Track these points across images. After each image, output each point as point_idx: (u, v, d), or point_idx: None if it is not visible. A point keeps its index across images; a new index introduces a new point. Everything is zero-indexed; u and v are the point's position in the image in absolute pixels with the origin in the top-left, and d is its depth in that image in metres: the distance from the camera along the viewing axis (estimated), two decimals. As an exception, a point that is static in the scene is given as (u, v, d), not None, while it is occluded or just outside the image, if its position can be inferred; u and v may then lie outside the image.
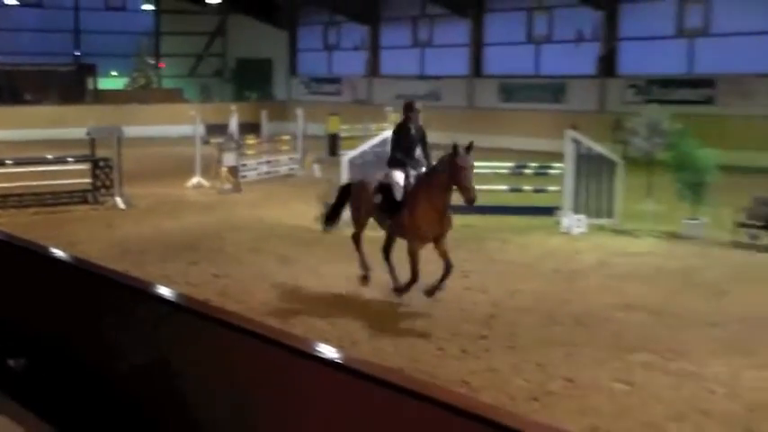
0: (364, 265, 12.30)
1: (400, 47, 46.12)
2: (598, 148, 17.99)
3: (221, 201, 21.29)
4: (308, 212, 18.53)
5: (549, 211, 17.53)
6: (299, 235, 16.53)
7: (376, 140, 18.28)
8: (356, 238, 12.47)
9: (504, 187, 17.92)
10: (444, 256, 11.30)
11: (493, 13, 41.83)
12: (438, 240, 11.38)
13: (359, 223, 12.48)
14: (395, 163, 11.85)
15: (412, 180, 11.60)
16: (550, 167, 18.14)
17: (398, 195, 11.55)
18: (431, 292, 11.37)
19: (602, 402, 8.07)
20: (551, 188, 17.85)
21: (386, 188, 11.75)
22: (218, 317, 5.18)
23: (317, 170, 26.16)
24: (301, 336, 6.72)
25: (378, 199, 11.84)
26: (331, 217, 13.13)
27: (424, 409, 3.80)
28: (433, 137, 35.49)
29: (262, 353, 4.69)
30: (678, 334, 10.22)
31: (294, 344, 4.65)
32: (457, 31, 42.78)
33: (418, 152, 12.14)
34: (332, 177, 18.60)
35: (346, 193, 12.86)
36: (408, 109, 12.20)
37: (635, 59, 36.09)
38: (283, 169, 26.71)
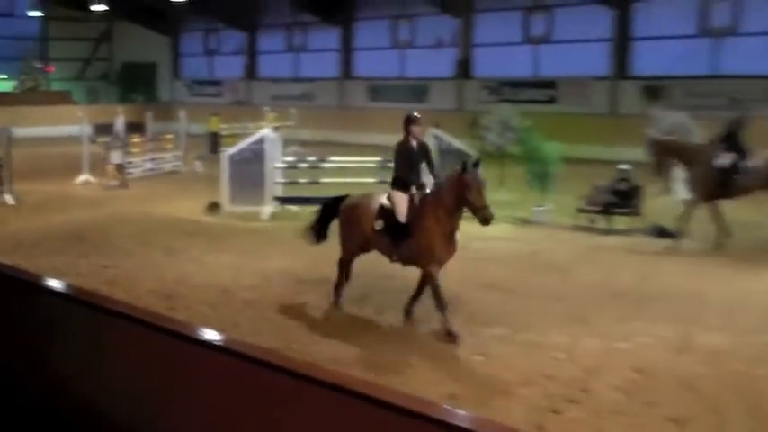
0: (338, 292, 10.63)
1: (276, 51, 45.93)
2: (457, 143, 18.28)
3: (109, 196, 20.79)
4: (191, 206, 18.32)
5: (413, 201, 17.69)
6: (184, 227, 16.29)
7: (254, 138, 18.16)
8: (342, 265, 10.63)
9: (372, 180, 18.02)
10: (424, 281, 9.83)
11: (361, 20, 42.04)
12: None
13: (350, 251, 10.54)
14: (398, 184, 9.96)
15: (417, 202, 9.77)
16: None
17: (402, 218, 9.75)
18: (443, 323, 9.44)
19: (460, 372, 8.23)
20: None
21: (388, 212, 9.92)
22: (106, 305, 5.09)
23: (198, 167, 25.90)
24: (185, 321, 6.64)
25: (379, 225, 9.97)
26: (318, 235, 11.15)
27: (302, 386, 3.81)
28: (307, 135, 35.35)
29: (148, 338, 4.62)
30: (527, 309, 10.47)
31: (178, 329, 4.59)
32: (328, 36, 42.85)
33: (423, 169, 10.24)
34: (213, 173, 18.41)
35: (331, 210, 10.96)
36: (409, 122, 10.03)
37: (488, 63, 36.86)
38: (167, 166, 26.34)
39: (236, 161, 17.69)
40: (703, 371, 8.17)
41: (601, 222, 15.90)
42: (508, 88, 34.87)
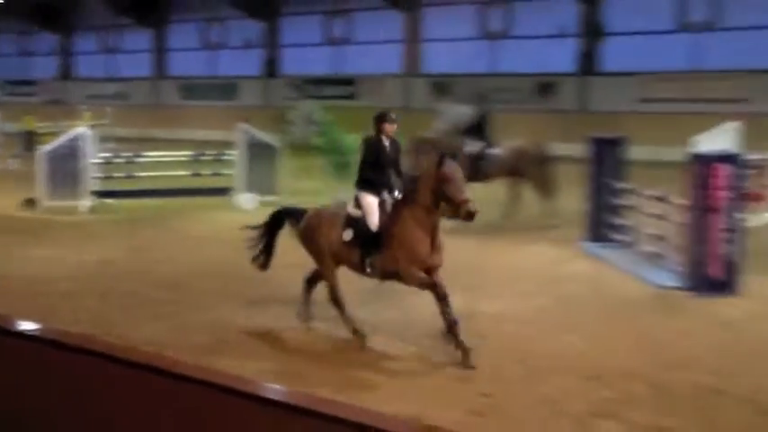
0: (350, 322, 8.52)
1: (91, 52, 44.36)
2: (264, 136, 18.26)
3: None
4: (7, 203, 17.38)
5: (225, 191, 17.58)
6: (1, 223, 15.47)
7: (70, 135, 17.46)
8: (334, 292, 8.63)
9: (185, 173, 17.75)
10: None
11: (173, 23, 41.27)
12: (430, 274, 8.01)
13: (329, 269, 8.61)
14: (364, 185, 8.29)
15: (389, 207, 8.13)
16: (225, 154, 18.16)
17: (373, 225, 8.04)
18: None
19: (273, 348, 8.26)
20: (226, 172, 17.89)
21: (357, 221, 8.20)
22: None
23: (12, 164, 24.71)
24: (4, 314, 6.35)
25: (348, 236, 8.21)
26: (262, 257, 9.29)
27: (122, 369, 3.75)
28: (123, 132, 34.21)
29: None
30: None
31: (-2, 323, 4.41)
32: (142, 38, 41.86)
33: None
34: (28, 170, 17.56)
35: (277, 226, 9.19)
36: (380, 120, 8.32)
37: (293, 63, 37.04)
38: (-18, 165, 24.92)
39: (53, 158, 16.94)
40: (485, 333, 8.57)
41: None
42: (311, 85, 35.13)
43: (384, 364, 7.78)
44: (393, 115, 8.38)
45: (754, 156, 13.17)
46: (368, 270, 8.19)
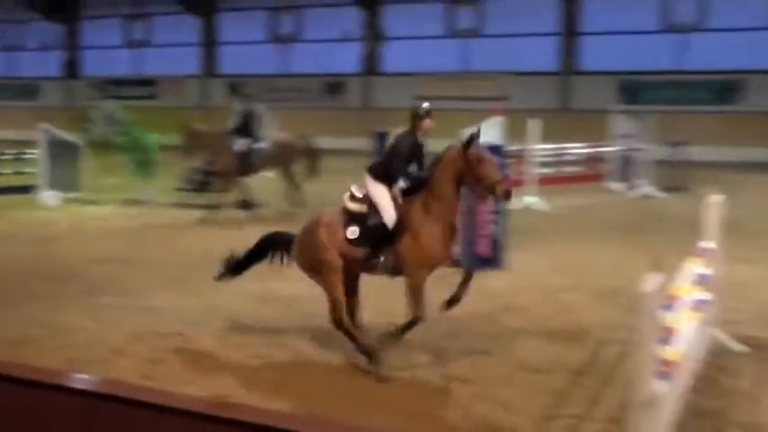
0: (362, 342, 7.02)
1: None
2: (66, 135, 17.35)
3: None
4: None
5: (27, 189, 16.52)
6: None
7: None
8: (339, 318, 7.05)
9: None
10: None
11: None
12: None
13: (335, 285, 6.98)
14: (379, 173, 6.92)
15: (400, 199, 6.86)
16: (26, 153, 17.08)
17: (390, 220, 6.74)
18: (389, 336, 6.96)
19: (79, 339, 7.80)
20: (28, 170, 16.82)
21: (361, 216, 6.85)
22: None
23: None
24: None
25: (354, 233, 6.82)
26: (231, 269, 7.76)
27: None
28: None
29: None
30: (137, 277, 10.22)
31: None
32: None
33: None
34: None
35: (267, 248, 7.55)
36: (421, 116, 6.87)
37: (94, 64, 35.73)
38: None
39: None
40: (283, 315, 8.54)
41: (196, 199, 15.90)
42: (113, 86, 33.89)
43: (188, 347, 7.56)
44: (430, 109, 6.95)
45: (513, 147, 13.93)
46: (379, 268, 6.93)
